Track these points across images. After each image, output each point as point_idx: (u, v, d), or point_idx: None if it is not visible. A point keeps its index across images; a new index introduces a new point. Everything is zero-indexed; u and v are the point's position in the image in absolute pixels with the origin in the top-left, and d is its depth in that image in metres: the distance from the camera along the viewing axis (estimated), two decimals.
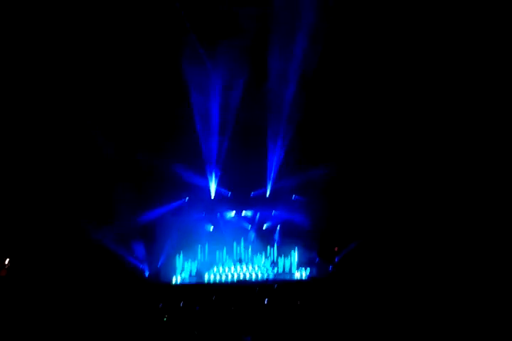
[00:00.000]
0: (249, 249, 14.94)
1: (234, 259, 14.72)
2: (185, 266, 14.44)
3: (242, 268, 14.37)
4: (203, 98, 14.76)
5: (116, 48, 13.81)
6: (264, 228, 15.17)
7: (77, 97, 14.03)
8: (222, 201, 15.22)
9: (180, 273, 14.25)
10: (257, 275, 14.12)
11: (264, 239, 15.05)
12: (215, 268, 14.35)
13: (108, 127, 14.29)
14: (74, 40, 13.54)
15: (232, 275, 14.14)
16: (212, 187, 15.14)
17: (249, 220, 15.26)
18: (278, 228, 15.13)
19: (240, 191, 15.21)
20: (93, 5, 13.31)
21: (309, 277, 14.11)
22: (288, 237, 14.88)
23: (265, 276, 14.17)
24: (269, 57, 14.09)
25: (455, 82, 13.59)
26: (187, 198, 15.05)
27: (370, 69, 13.78)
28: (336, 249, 14.40)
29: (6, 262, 13.56)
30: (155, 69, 14.27)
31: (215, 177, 15.09)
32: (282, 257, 14.81)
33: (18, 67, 13.43)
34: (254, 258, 14.82)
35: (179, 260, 14.49)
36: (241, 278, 14.10)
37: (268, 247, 14.96)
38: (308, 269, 14.28)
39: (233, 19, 14.09)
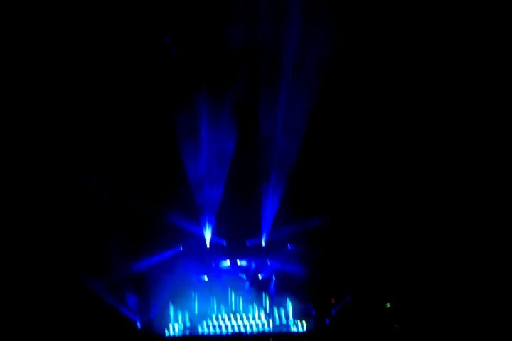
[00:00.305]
0: (244, 300, 14.66)
1: (229, 310, 14.43)
2: (179, 317, 14.15)
3: (236, 319, 14.08)
4: (196, 146, 14.76)
5: (108, 95, 13.91)
6: (259, 278, 14.93)
7: (72, 144, 14.03)
8: (217, 250, 15.02)
9: (174, 325, 13.96)
10: (251, 328, 13.85)
11: (260, 289, 14.79)
12: (209, 320, 14.08)
13: (101, 174, 14.25)
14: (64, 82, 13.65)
15: (227, 327, 13.85)
16: (207, 235, 14.97)
17: (245, 270, 15.03)
18: (273, 278, 14.89)
19: (235, 240, 15.05)
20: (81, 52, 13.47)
21: (306, 330, 13.82)
22: (284, 288, 14.64)
23: (260, 328, 13.89)
24: (261, 105, 14.19)
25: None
26: (181, 247, 14.85)
27: (364, 120, 13.87)
28: (333, 300, 14.15)
29: None
30: (148, 119, 14.33)
31: (210, 225, 14.93)
32: (278, 308, 14.53)
33: None
34: (249, 309, 14.53)
35: (173, 311, 14.21)
36: (236, 330, 13.80)
37: (263, 298, 14.68)
38: (305, 322, 14.00)
39: (226, 69, 14.27)
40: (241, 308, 14.47)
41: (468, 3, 12.24)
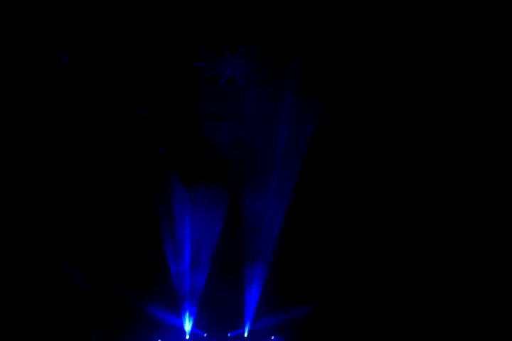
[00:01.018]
0: None
1: None
2: None
3: None
4: (178, 234, 14.63)
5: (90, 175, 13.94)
6: None
7: (48, 230, 13.77)
8: None
9: None
10: None
11: None
12: None
13: (77, 262, 13.89)
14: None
15: None
16: (187, 327, 14.45)
17: None
18: None
19: (217, 332, 14.54)
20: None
21: None
22: None
23: None
24: (246, 192, 14.35)
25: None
26: None
27: (349, 208, 14.11)
28: None
29: None
30: (129, 205, 14.28)
31: (191, 317, 14.46)
32: None
33: None
34: None
35: None
36: None
37: None
38: None
39: (211, 157, 14.54)
40: None
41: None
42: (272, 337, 14.46)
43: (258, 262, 14.52)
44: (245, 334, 14.42)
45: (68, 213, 14.13)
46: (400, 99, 13.99)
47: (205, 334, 14.48)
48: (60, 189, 14.05)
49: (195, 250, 14.70)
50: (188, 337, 14.38)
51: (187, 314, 14.46)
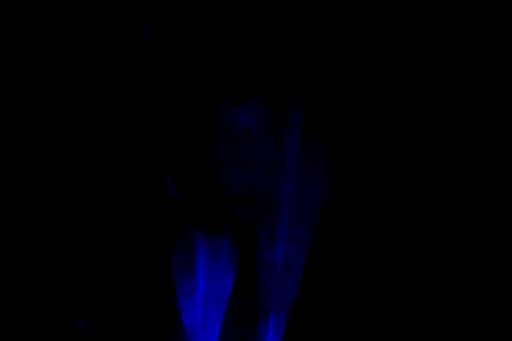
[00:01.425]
0: None
1: None
2: None
3: None
4: (192, 289, 14.35)
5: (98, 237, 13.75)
6: None
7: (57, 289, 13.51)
8: None
9: None
10: None
11: None
12: None
13: (89, 314, 13.54)
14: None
15: None
16: None
17: None
18: None
19: None
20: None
21: None
22: None
23: None
24: (260, 242, 14.11)
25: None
26: None
27: (365, 261, 13.80)
28: None
29: None
30: (141, 255, 14.09)
31: None
32: None
33: None
34: None
35: None
36: None
37: None
38: None
39: (223, 209, 14.42)
40: None
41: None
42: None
43: (275, 314, 14.09)
44: None
45: (74, 262, 13.96)
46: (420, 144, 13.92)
47: None
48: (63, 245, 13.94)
49: (209, 302, 14.36)
50: None
51: None
